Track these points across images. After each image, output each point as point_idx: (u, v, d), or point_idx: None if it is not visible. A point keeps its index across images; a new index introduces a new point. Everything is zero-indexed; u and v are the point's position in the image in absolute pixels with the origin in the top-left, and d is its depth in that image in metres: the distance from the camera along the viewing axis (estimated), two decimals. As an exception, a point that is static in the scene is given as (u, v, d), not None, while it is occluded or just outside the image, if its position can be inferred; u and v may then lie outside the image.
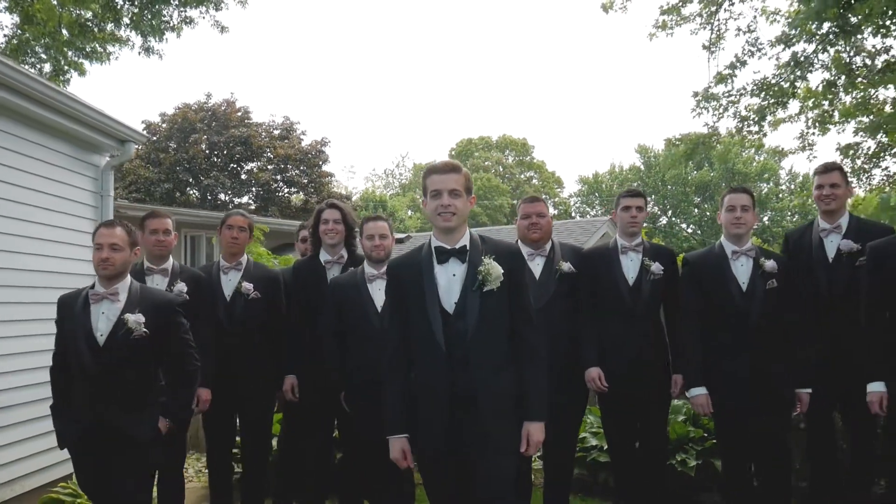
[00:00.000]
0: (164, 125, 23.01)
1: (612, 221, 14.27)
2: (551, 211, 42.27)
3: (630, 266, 3.84)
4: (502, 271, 2.57)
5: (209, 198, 23.01)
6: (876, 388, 3.29)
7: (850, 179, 4.35)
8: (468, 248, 2.65)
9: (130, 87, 65.70)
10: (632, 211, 3.89)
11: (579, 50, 74.65)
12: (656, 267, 3.80)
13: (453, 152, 44.48)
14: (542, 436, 2.63)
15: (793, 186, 38.28)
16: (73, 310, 3.10)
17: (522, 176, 43.43)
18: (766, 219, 36.54)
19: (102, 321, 3.05)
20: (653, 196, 41.86)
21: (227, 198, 23.31)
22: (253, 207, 23.00)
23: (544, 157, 63.65)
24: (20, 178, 4.60)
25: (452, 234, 2.64)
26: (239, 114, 23.38)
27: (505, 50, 76.17)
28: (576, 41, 75.72)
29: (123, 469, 3.07)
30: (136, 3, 9.43)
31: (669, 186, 40.50)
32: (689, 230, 40.24)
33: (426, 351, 2.62)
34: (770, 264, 3.53)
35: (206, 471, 5.60)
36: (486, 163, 42.56)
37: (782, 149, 14.84)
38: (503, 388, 2.60)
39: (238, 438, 4.35)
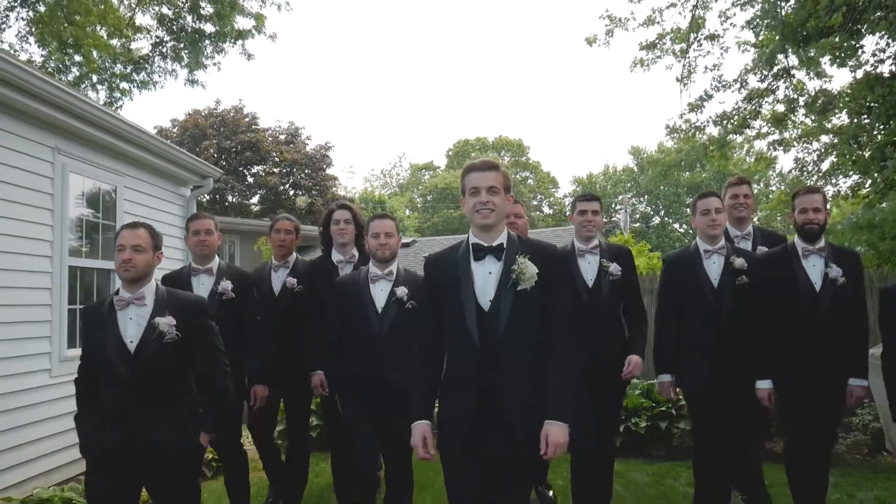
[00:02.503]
0: (175, 131, 23.57)
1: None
2: (546, 211, 42.28)
3: (588, 268, 3.87)
4: (536, 271, 2.50)
5: (217, 199, 23.85)
6: (766, 385, 3.55)
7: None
8: (505, 246, 2.58)
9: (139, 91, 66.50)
10: (587, 215, 3.91)
11: (574, 52, 75.87)
12: (614, 268, 3.85)
13: (450, 153, 44.85)
14: (564, 439, 2.45)
15: (783, 187, 39.13)
16: (98, 319, 2.93)
17: (518, 176, 43.50)
18: (755, 219, 37.29)
19: (132, 327, 2.87)
20: (645, 196, 42.31)
21: (235, 200, 23.76)
22: (259, 210, 23.68)
23: (540, 157, 64.81)
24: (134, 208, 5.96)
25: (490, 231, 2.58)
26: (247, 120, 23.88)
27: (501, 52, 77.22)
28: (570, 44, 76.96)
29: (163, 482, 2.91)
30: (180, 39, 10.66)
31: (662, 187, 40.57)
32: (682, 230, 40.58)
33: (460, 346, 2.57)
34: (739, 262, 3.64)
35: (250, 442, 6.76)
36: (483, 163, 42.96)
37: (747, 165, 16.05)
38: (532, 386, 2.51)
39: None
